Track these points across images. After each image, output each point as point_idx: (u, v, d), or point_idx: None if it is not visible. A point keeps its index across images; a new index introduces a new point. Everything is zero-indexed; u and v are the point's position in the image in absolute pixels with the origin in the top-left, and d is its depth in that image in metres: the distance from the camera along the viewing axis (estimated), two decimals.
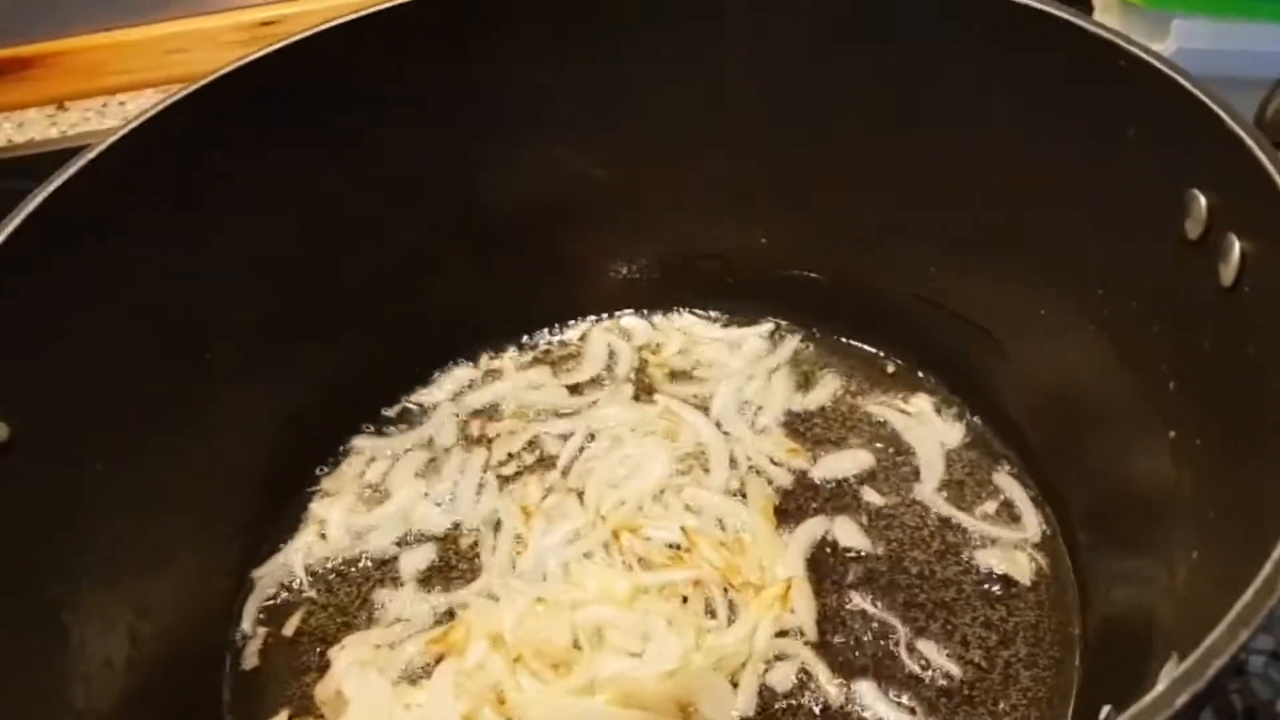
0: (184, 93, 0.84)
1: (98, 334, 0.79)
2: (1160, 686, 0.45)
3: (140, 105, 1.52)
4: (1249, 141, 0.67)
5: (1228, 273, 0.67)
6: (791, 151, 1.00)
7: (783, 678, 0.83)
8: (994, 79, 0.86)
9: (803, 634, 0.85)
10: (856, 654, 0.84)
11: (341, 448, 1.05)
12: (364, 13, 0.91)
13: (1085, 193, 0.82)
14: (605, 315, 1.14)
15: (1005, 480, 0.95)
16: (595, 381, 1.09)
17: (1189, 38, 1.02)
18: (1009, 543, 0.90)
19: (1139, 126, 0.76)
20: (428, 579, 0.93)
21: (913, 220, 0.98)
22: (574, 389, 1.08)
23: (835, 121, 0.96)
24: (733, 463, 0.98)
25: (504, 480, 1.01)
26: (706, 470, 0.98)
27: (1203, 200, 0.70)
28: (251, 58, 0.88)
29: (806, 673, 0.83)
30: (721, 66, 0.97)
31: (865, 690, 0.81)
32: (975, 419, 0.99)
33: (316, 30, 0.89)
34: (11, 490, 0.71)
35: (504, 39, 0.95)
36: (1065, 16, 0.80)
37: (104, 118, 1.56)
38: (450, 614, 0.90)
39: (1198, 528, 0.69)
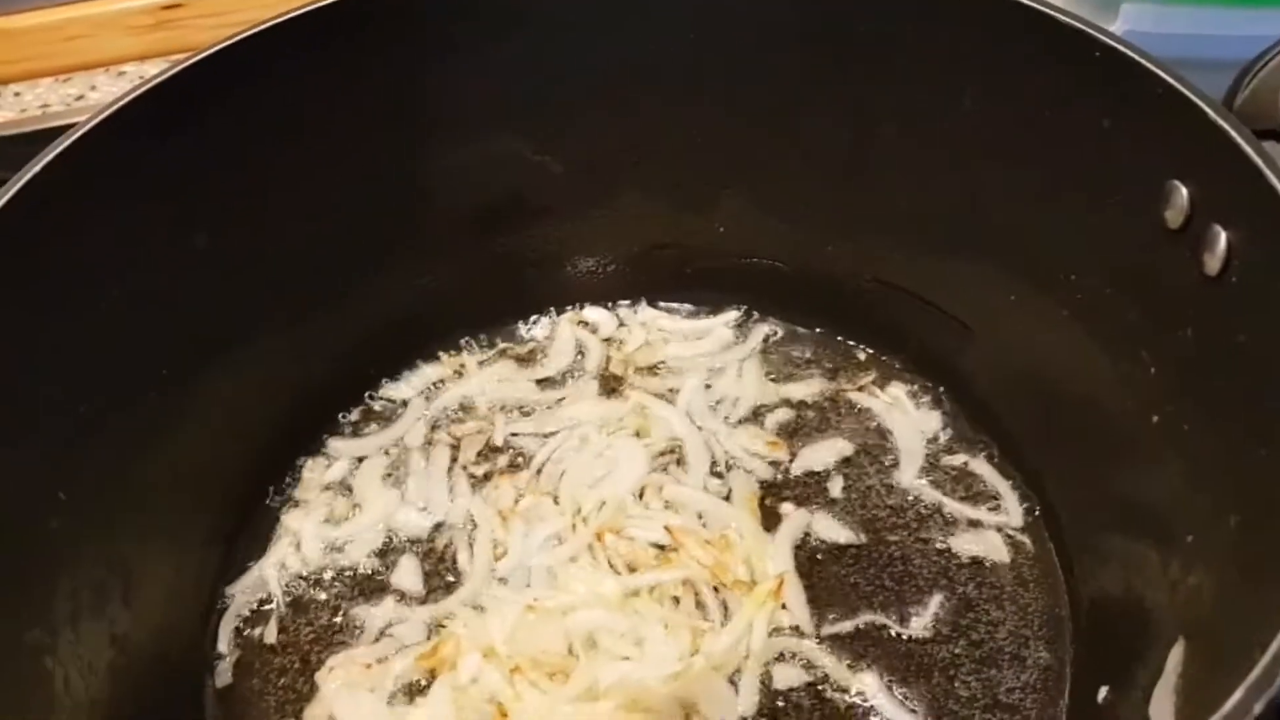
0: (146, 87, 0.80)
1: (49, 353, 0.75)
2: (1237, 695, 0.46)
3: (38, 95, 1.44)
4: (1232, 133, 0.68)
5: (1213, 262, 0.69)
6: (749, 139, 0.99)
7: (784, 676, 0.83)
8: (962, 67, 0.86)
9: (799, 629, 0.85)
10: (853, 645, 0.85)
11: (308, 451, 1.01)
12: (310, 7, 0.87)
13: (1057, 182, 0.83)
14: (570, 308, 1.12)
15: (984, 466, 0.96)
16: (564, 376, 1.07)
17: (1138, 20, 1.04)
18: (991, 527, 0.92)
19: (1114, 117, 0.77)
20: (407, 590, 0.91)
21: (876, 207, 0.98)
22: (543, 383, 1.07)
23: (796, 110, 0.96)
24: (711, 458, 0.98)
25: (475, 482, 0.99)
26: (682, 466, 0.97)
27: (1184, 191, 0.72)
28: (202, 55, 0.83)
29: (808, 668, 0.84)
30: (679, 57, 0.95)
31: (868, 683, 0.82)
32: (951, 405, 1.01)
33: (268, 25, 0.85)
34: None
35: (453, 33, 0.92)
36: (1037, 6, 0.80)
37: None
38: (436, 626, 0.88)
39: (1191, 515, 0.71)
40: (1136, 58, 0.74)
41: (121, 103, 0.78)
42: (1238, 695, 0.46)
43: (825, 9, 0.89)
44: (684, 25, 0.94)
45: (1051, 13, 0.79)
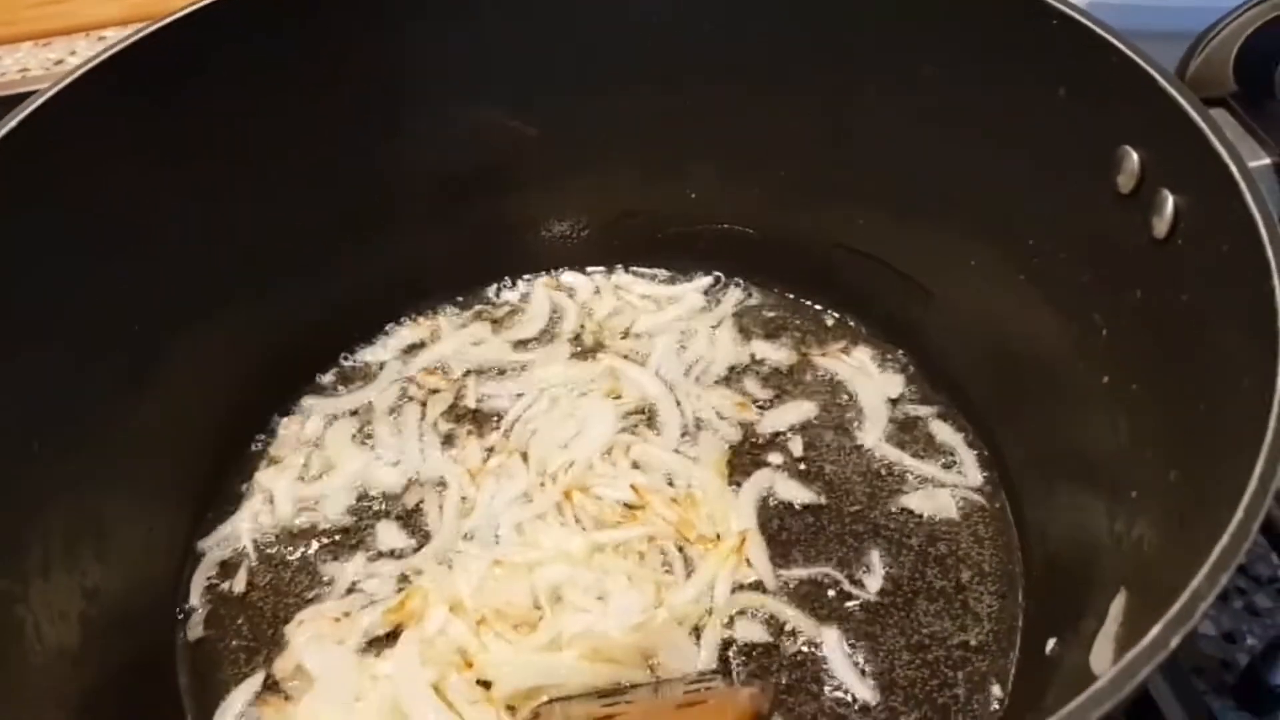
0: (113, 50, 0.80)
1: (22, 306, 0.76)
2: (1155, 630, 0.48)
3: (17, 60, 1.44)
4: (1182, 101, 0.70)
5: (1161, 225, 0.71)
6: (721, 108, 1.00)
7: (745, 630, 0.85)
8: (922, 36, 0.88)
9: (761, 585, 0.87)
10: (812, 600, 0.87)
11: (284, 410, 1.03)
12: None
13: (1015, 148, 0.85)
14: (544, 273, 1.14)
15: (943, 427, 0.98)
16: (539, 338, 1.09)
17: None
18: (949, 486, 0.94)
19: (1070, 85, 0.79)
20: (391, 547, 0.92)
21: (840, 174, 1.00)
22: (517, 346, 1.08)
23: (763, 78, 0.97)
24: (682, 418, 1.00)
25: (445, 440, 1.00)
26: (652, 427, 0.99)
27: (1135, 156, 0.74)
28: (170, 19, 0.83)
29: (768, 623, 0.86)
30: (655, 25, 0.97)
31: (826, 636, 0.84)
32: (915, 369, 1.03)
33: None
34: None
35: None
36: None
37: None
38: (404, 581, 0.89)
39: (1136, 470, 0.73)
40: (1093, 26, 0.76)
41: (87, 67, 0.79)
42: (1155, 630, 0.48)
43: None
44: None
45: None
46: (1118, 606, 0.69)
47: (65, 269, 0.79)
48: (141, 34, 0.82)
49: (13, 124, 0.73)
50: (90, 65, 0.79)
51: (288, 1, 0.88)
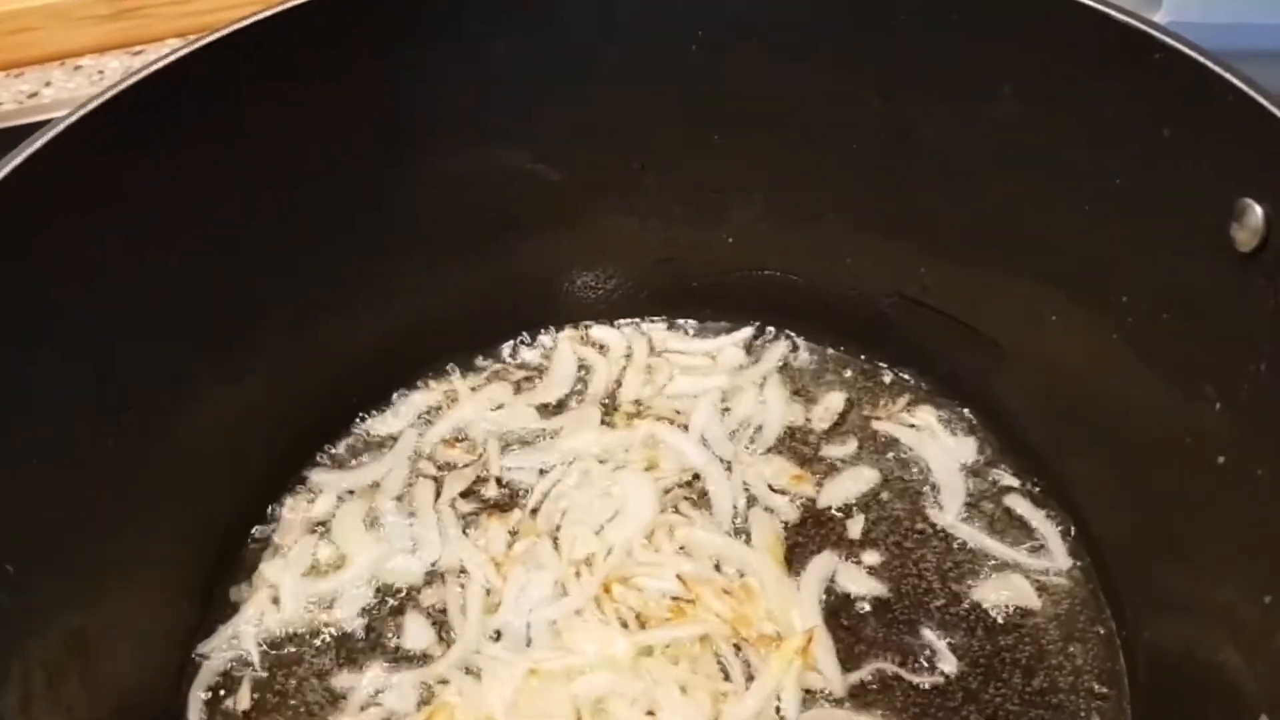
0: (102, 99, 0.72)
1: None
2: None
3: None
4: None
5: None
6: (762, 143, 0.92)
7: None
8: (1000, 65, 0.79)
9: (830, 694, 0.78)
10: (885, 712, 0.77)
11: (290, 491, 0.94)
12: (284, 7, 0.79)
13: (1108, 193, 0.76)
14: (568, 327, 1.04)
15: (1023, 502, 0.88)
16: (564, 401, 1.00)
17: (1182, 10, 0.95)
18: (1033, 570, 0.84)
19: (1176, 124, 0.69)
20: (396, 649, 0.83)
21: (901, 216, 0.91)
22: (541, 410, 0.99)
23: (810, 108, 0.88)
24: (732, 491, 0.90)
25: (466, 523, 0.91)
26: (697, 504, 0.90)
27: (1259, 210, 0.64)
28: (163, 63, 0.75)
29: None
30: (686, 56, 0.88)
31: None
32: (986, 434, 0.93)
33: (240, 26, 0.77)
34: None
35: (440, 33, 0.85)
36: (1088, 2, 0.72)
37: None
38: (428, 690, 0.80)
39: (1269, 570, 0.64)
40: (1202, 60, 0.67)
41: (77, 116, 0.70)
42: None
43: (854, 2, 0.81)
44: (692, 22, 0.86)
45: (1103, 8, 0.71)
46: None
47: (37, 346, 0.70)
48: (130, 82, 0.73)
49: None
50: (79, 115, 0.70)
51: (289, 39, 0.80)
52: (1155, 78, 0.69)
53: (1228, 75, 0.65)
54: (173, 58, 0.75)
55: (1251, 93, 0.64)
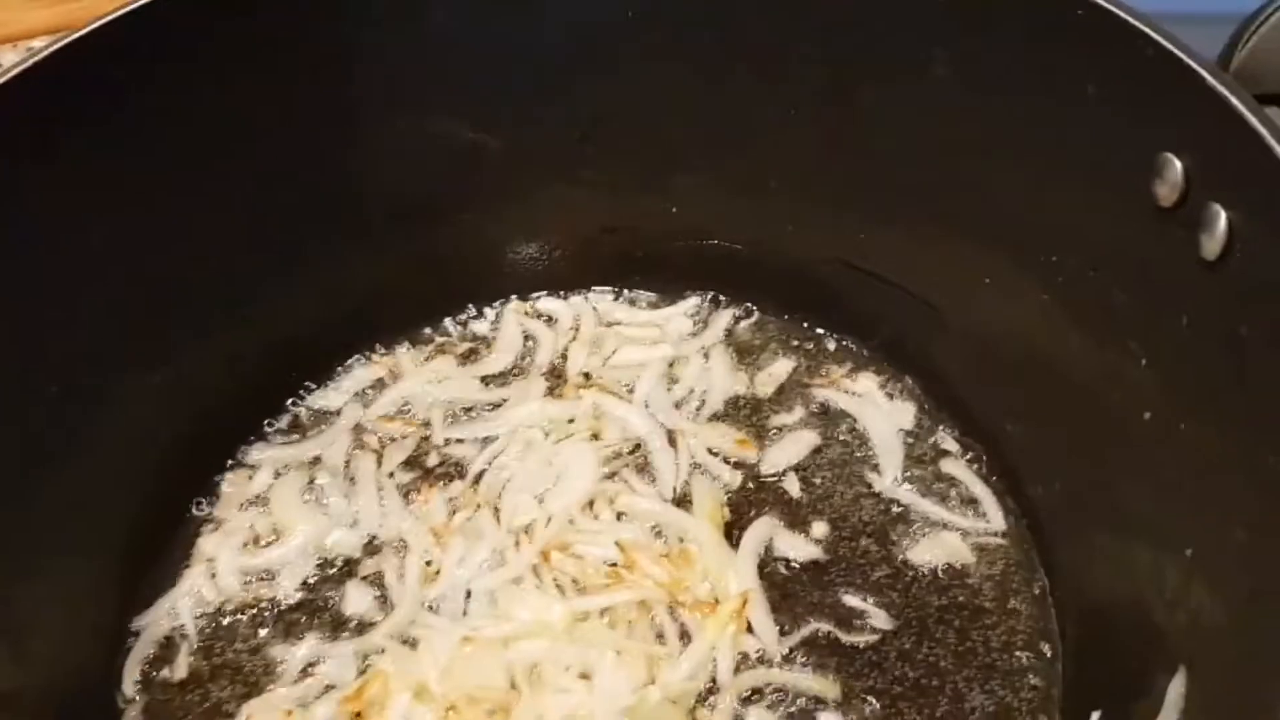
0: (43, 55, 0.71)
1: None
2: None
3: None
4: (1233, 100, 0.61)
5: (1212, 244, 0.61)
6: (704, 111, 0.91)
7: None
8: (930, 30, 0.78)
9: (766, 656, 0.78)
10: (823, 673, 0.77)
11: (229, 467, 0.93)
12: None
13: (1036, 154, 0.76)
14: (514, 298, 1.04)
15: (959, 464, 0.89)
16: (509, 372, 0.99)
17: None
18: (969, 532, 0.84)
19: (1100, 82, 0.69)
20: (332, 622, 0.83)
21: (838, 183, 0.91)
22: (487, 381, 0.98)
23: (752, 75, 0.88)
24: (675, 458, 0.90)
25: (406, 495, 0.90)
26: (640, 472, 0.90)
27: (1178, 164, 0.64)
28: (91, 28, 0.74)
29: (779, 703, 0.76)
30: (628, 21, 0.87)
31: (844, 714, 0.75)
32: (925, 398, 0.93)
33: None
34: None
35: (388, 4, 0.84)
36: None
37: None
38: (364, 661, 0.80)
39: (1189, 522, 0.64)
40: (1124, 16, 0.67)
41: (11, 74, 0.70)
42: None
43: None
44: None
45: None
46: (1177, 688, 0.60)
47: None
48: (64, 42, 0.72)
49: None
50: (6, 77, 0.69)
51: (223, 8, 0.78)
52: (1079, 34, 0.69)
53: (1147, 30, 0.65)
54: (95, 26, 0.74)
55: (1170, 47, 0.64)
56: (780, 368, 0.97)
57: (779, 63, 0.86)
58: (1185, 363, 0.66)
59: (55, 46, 0.72)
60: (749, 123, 0.91)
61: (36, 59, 0.71)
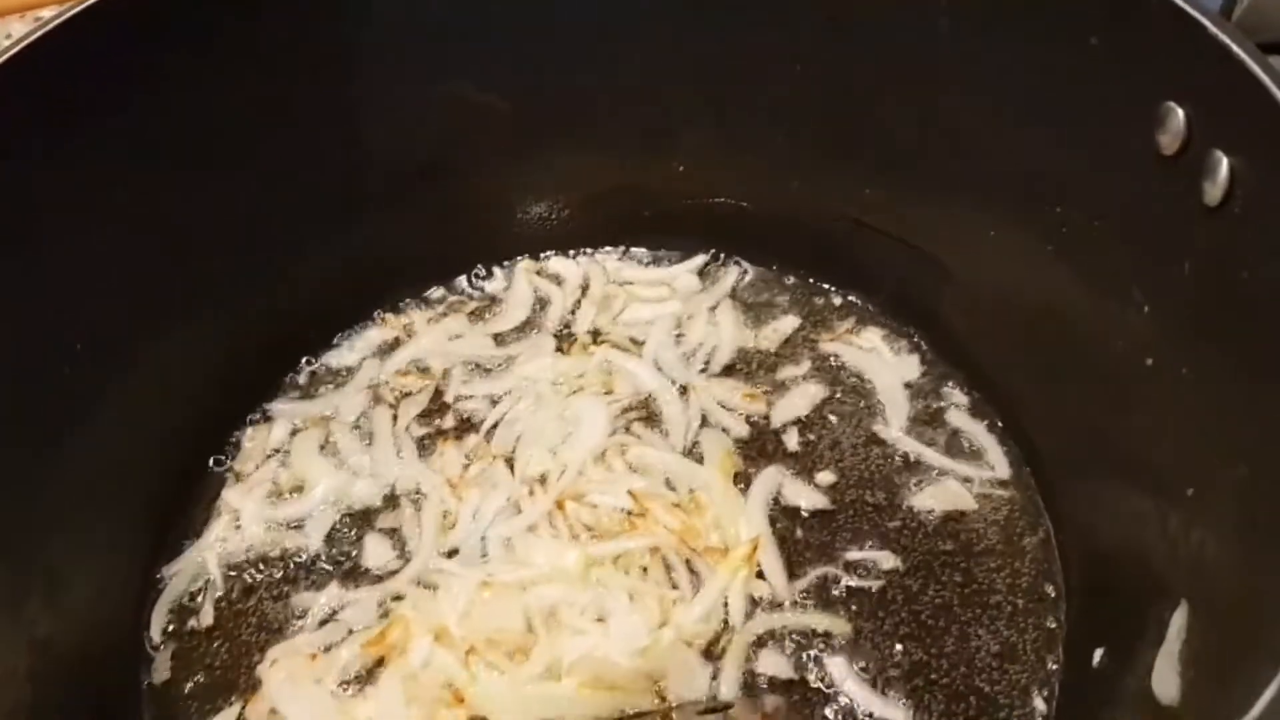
0: (41, 31, 0.72)
1: None
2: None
3: None
4: (1235, 48, 0.61)
5: (1214, 191, 0.63)
6: (711, 70, 0.92)
7: (769, 663, 0.77)
8: None
9: (776, 600, 0.80)
10: (832, 615, 0.80)
11: (249, 421, 0.95)
12: None
13: (1040, 106, 0.77)
14: (523, 258, 1.05)
15: (964, 415, 0.91)
16: (522, 329, 1.01)
17: None
18: (975, 480, 0.86)
19: (1103, 33, 0.70)
20: (353, 569, 0.85)
21: (843, 140, 0.92)
22: (499, 339, 1.00)
23: (755, 33, 0.88)
24: (687, 412, 0.92)
25: (423, 447, 0.92)
26: (650, 425, 0.91)
27: (1180, 113, 0.65)
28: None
29: (790, 644, 0.78)
30: None
31: (850, 653, 0.77)
32: (930, 351, 0.95)
33: None
34: None
35: None
36: None
37: None
38: (385, 608, 0.82)
39: (1191, 464, 0.66)
40: None
41: (22, 45, 0.71)
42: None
43: None
44: None
45: None
46: (1179, 622, 0.62)
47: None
48: (73, 12, 0.73)
49: None
50: (23, 44, 0.71)
51: None
52: None
53: None
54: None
55: None
56: (786, 323, 0.99)
57: (782, 20, 0.87)
58: (1187, 309, 0.68)
59: (64, 17, 0.73)
60: (754, 80, 0.91)
61: (45, 29, 0.72)
